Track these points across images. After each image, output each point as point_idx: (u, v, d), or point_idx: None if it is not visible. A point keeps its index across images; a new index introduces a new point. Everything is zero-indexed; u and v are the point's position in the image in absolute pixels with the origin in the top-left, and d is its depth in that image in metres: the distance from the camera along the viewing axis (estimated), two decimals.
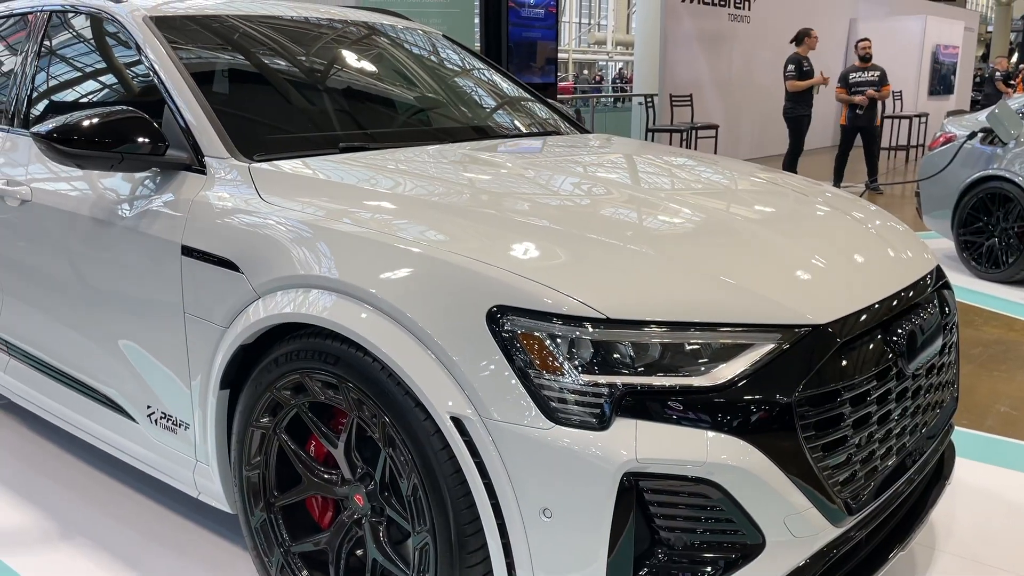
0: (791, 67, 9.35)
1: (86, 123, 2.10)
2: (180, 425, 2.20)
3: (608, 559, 1.53)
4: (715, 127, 10.79)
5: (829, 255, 1.97)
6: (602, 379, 1.55)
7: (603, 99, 21.19)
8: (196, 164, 2.16)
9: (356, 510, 1.88)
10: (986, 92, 14.96)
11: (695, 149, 10.52)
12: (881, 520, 1.91)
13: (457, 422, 1.59)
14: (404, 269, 1.70)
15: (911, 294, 1.99)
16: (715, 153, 10.86)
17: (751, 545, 1.58)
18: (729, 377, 1.57)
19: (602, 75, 40.00)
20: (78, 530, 2.50)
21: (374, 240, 1.77)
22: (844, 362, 1.70)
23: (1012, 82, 14.91)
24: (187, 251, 2.06)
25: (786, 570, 1.64)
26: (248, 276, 1.92)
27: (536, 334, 1.57)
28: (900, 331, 1.86)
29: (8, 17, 3.13)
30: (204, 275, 2.02)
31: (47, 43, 2.82)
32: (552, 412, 1.55)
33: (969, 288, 5.48)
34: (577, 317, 1.56)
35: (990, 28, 47.00)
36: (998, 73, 14.79)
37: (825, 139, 14.88)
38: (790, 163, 9.66)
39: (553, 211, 1.99)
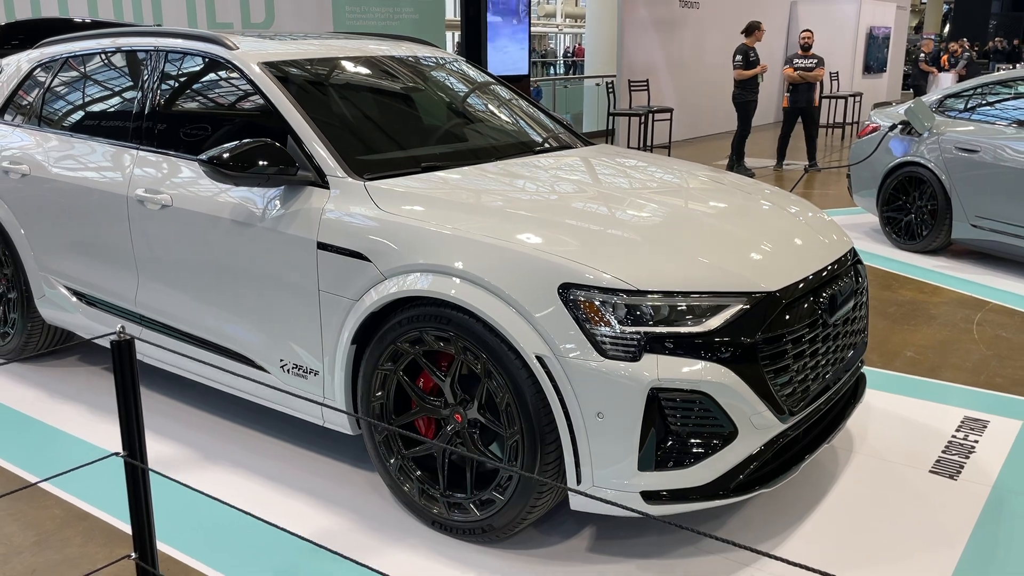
0: (739, 57, 10.27)
1: (239, 151, 2.86)
2: (310, 372, 3.00)
3: (640, 443, 2.40)
4: (670, 110, 11.68)
5: (773, 240, 2.87)
6: (633, 329, 2.40)
7: (557, 80, 21.91)
8: (320, 182, 2.94)
9: (456, 425, 2.72)
10: (913, 73, 16.13)
11: (652, 131, 11.40)
12: (811, 424, 2.81)
13: (540, 359, 2.43)
14: (498, 259, 2.52)
15: (833, 268, 2.88)
16: (670, 134, 11.78)
17: (729, 433, 2.46)
18: (715, 326, 2.44)
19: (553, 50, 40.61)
20: (220, 455, 3.29)
21: (472, 238, 2.59)
22: (786, 316, 2.58)
23: (940, 60, 16.08)
24: (322, 246, 2.85)
25: (751, 451, 2.53)
26: (376, 263, 2.72)
27: (591, 300, 2.41)
28: (824, 295, 2.76)
29: (117, 52, 3.83)
30: (337, 263, 2.82)
31: (166, 77, 3.54)
32: (603, 350, 2.39)
33: (890, 257, 6.48)
34: (617, 289, 2.41)
35: (924, 0, 48.71)
36: (922, 54, 15.95)
37: (768, 117, 15.92)
38: (738, 143, 10.62)
39: (586, 212, 2.83)
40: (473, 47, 10.04)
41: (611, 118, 11.80)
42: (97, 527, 2.81)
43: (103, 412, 3.69)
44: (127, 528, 2.79)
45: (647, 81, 12.33)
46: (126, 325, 3.55)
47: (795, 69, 10.45)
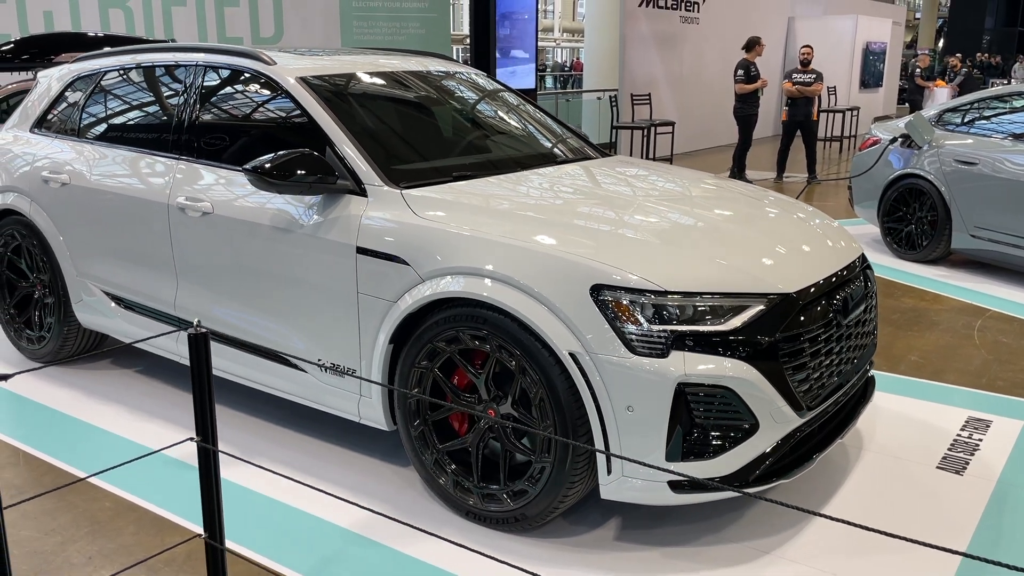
0: (740, 72, 10.48)
1: (281, 161, 3.01)
2: (347, 371, 3.15)
3: (668, 436, 2.55)
4: (672, 123, 11.88)
5: (788, 245, 3.03)
6: (660, 327, 2.56)
7: (561, 94, 22.14)
8: (357, 190, 3.10)
9: (489, 420, 2.86)
10: (909, 88, 16.39)
11: (654, 144, 11.60)
12: (824, 421, 2.96)
13: (573, 356, 2.58)
14: (532, 261, 2.68)
15: (844, 273, 3.04)
16: (672, 147, 11.98)
17: (750, 426, 2.61)
18: (737, 325, 2.60)
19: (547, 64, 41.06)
20: (256, 452, 3.42)
21: (507, 243, 2.74)
22: (803, 317, 2.74)
23: (932, 75, 16.38)
24: (361, 251, 3.00)
25: (770, 444, 2.68)
26: (414, 267, 2.87)
27: (620, 299, 2.57)
28: (838, 297, 2.92)
29: (154, 66, 4.00)
30: (377, 267, 2.97)
31: (205, 90, 3.70)
32: (632, 348, 2.55)
33: (891, 267, 6.65)
34: (644, 290, 2.57)
35: (918, 15, 49.27)
36: (918, 69, 16.21)
37: (767, 130, 16.13)
38: (740, 156, 10.81)
39: (612, 217, 3.00)
40: (482, 61, 10.24)
41: (614, 131, 12.00)
42: (147, 517, 2.95)
43: (139, 411, 3.83)
44: (175, 518, 2.94)
45: (649, 95, 12.53)
46: (154, 326, 3.68)
47: (794, 84, 10.66)
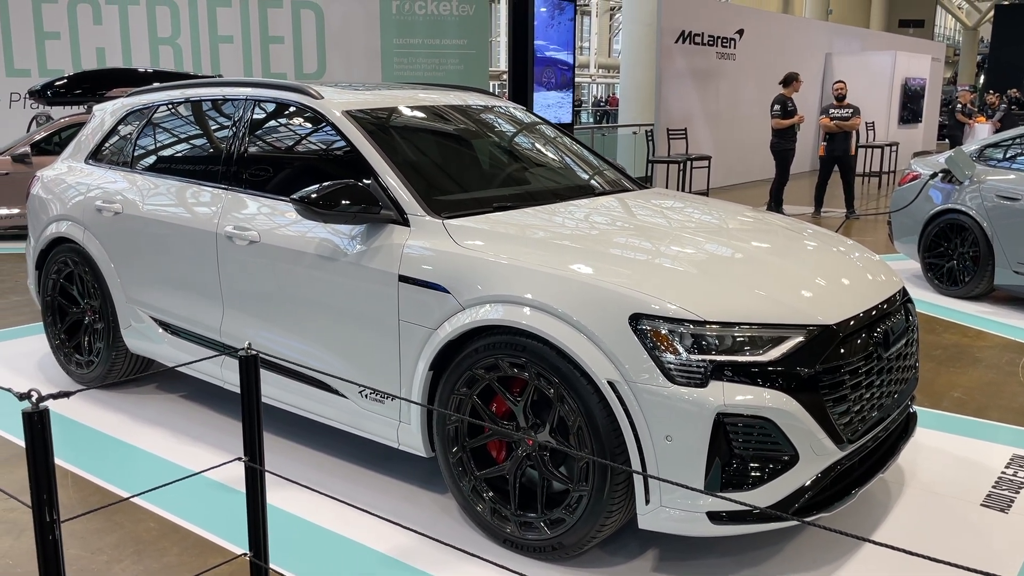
0: (777, 107, 10.49)
1: (327, 191, 3.09)
2: (387, 397, 3.19)
3: (706, 465, 2.54)
4: (708, 158, 11.90)
5: (828, 277, 3.04)
6: (699, 357, 2.57)
7: (597, 128, 22.29)
8: (400, 220, 3.17)
9: (526, 448, 2.88)
10: (949, 123, 16.29)
11: (690, 178, 11.63)
12: (865, 455, 2.94)
13: (611, 384, 2.60)
14: (571, 290, 2.71)
15: (885, 306, 3.03)
16: (708, 181, 11.98)
17: (790, 458, 2.60)
18: (776, 356, 2.60)
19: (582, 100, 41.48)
20: (296, 476, 3.45)
21: (547, 272, 2.78)
22: (843, 349, 2.73)
23: (970, 109, 16.31)
24: (403, 279, 3.06)
25: (810, 476, 2.66)
26: (455, 295, 2.92)
27: (659, 329, 2.59)
28: (879, 330, 2.91)
29: (204, 100, 4.13)
30: (418, 295, 3.02)
31: (254, 123, 3.81)
32: (671, 377, 2.56)
33: (932, 302, 6.58)
34: (683, 319, 2.59)
35: (958, 52, 48.95)
36: (959, 105, 16.11)
37: (804, 165, 16.08)
38: (777, 191, 10.79)
39: (649, 248, 3.03)
40: (520, 95, 10.38)
41: (650, 165, 12.05)
42: (190, 538, 3.00)
43: (183, 435, 3.90)
44: (218, 540, 2.99)
45: (685, 129, 12.58)
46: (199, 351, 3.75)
47: (831, 119, 10.64)
